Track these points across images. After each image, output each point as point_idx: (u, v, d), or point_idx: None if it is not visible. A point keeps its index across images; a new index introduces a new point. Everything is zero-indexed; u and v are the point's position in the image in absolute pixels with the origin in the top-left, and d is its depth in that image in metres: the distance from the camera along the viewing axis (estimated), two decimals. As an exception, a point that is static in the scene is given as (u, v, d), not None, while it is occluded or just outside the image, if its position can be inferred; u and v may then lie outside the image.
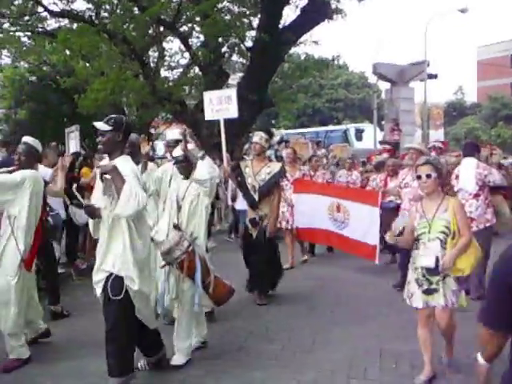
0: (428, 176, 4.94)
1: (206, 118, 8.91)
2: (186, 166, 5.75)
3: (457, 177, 7.79)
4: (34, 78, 26.51)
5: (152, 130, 24.95)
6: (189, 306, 5.48)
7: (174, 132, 7.27)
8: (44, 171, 8.72)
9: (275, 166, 7.82)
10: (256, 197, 7.60)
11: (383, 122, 33.89)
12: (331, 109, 51.18)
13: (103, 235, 4.72)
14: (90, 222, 4.96)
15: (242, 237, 8.27)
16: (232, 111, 8.48)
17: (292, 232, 10.09)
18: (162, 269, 5.61)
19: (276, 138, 7.98)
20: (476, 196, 7.57)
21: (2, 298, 5.44)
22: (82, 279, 8.83)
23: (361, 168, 14.56)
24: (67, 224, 9.32)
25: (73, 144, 10.76)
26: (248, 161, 8.16)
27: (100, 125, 4.65)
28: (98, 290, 4.71)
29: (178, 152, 5.86)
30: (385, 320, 6.83)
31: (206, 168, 5.57)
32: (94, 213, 4.73)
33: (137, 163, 6.26)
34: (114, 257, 4.62)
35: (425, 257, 4.93)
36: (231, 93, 8.71)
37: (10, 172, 5.72)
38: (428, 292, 4.96)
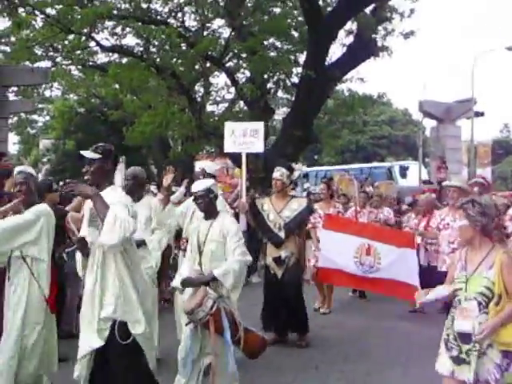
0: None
1: (225, 150, 8.52)
2: (206, 203, 5.28)
3: (511, 218, 7.57)
4: (82, 110, 27.26)
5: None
6: (223, 366, 4.93)
7: (204, 164, 7.04)
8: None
9: (302, 202, 7.47)
10: (282, 234, 7.14)
11: (427, 160, 33.54)
12: (375, 145, 50.93)
13: (92, 276, 4.16)
14: (79, 258, 4.47)
15: (265, 277, 7.69)
16: (258, 146, 8.08)
17: None
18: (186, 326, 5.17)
19: (296, 173, 7.41)
20: None
21: (34, 350, 4.87)
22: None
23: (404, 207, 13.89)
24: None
25: (118, 175, 10.92)
26: (265, 198, 7.67)
27: (88, 153, 4.27)
28: (97, 344, 4.07)
29: (198, 186, 5.35)
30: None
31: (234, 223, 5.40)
32: (86, 247, 4.26)
33: (139, 198, 6.14)
34: (113, 299, 4.07)
35: (458, 319, 4.09)
36: (258, 126, 8.23)
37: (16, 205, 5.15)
38: (457, 361, 4.10)
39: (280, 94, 20.52)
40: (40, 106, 35.45)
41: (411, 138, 48.31)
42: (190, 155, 21.96)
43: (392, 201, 13.55)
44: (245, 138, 8.02)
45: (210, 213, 5.32)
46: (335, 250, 8.58)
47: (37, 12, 15.57)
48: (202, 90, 22.23)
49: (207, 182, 5.40)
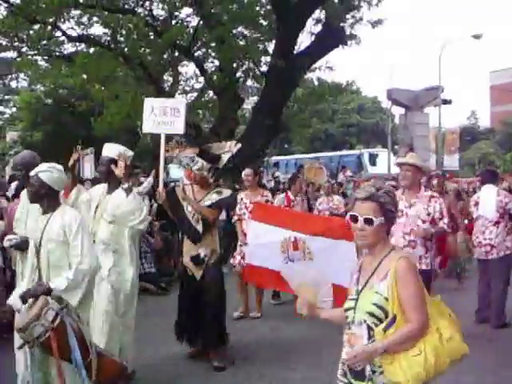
0: (368, 222, 2.99)
1: (143, 131, 7.51)
2: (36, 192, 4.43)
3: (476, 204, 7.79)
4: (49, 101, 26.86)
5: (166, 154, 25.08)
6: None
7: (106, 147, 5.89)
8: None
9: (226, 192, 6.44)
10: (200, 228, 6.17)
11: (396, 147, 33.87)
12: (344, 133, 51.25)
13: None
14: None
15: (180, 279, 6.70)
16: (178, 126, 6.86)
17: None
18: (19, 350, 4.15)
19: (225, 158, 6.36)
20: (496, 223, 7.56)
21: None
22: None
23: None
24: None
25: (87, 167, 10.82)
26: (188, 186, 6.56)
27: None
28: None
29: (34, 170, 4.51)
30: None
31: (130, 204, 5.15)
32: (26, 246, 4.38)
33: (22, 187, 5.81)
34: None
35: (346, 348, 3.09)
36: (180, 104, 7.08)
37: None
38: None
39: (249, 82, 20.47)
40: (6, 97, 35.00)
41: (380, 125, 48.73)
42: (158, 145, 21.83)
43: (329, 187, 12.34)
44: (165, 116, 6.86)
45: (46, 205, 4.43)
46: (263, 244, 7.07)
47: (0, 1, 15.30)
48: (170, 79, 22.06)
49: (42, 167, 4.47)
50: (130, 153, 5.73)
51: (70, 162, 6.02)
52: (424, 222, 6.18)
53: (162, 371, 6.16)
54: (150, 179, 8.77)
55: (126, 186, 5.30)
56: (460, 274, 10.50)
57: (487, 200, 7.65)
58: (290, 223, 7.03)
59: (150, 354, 6.54)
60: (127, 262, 5.50)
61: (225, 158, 6.34)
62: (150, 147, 20.44)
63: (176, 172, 21.02)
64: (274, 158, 30.59)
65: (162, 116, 6.84)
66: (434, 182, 10.74)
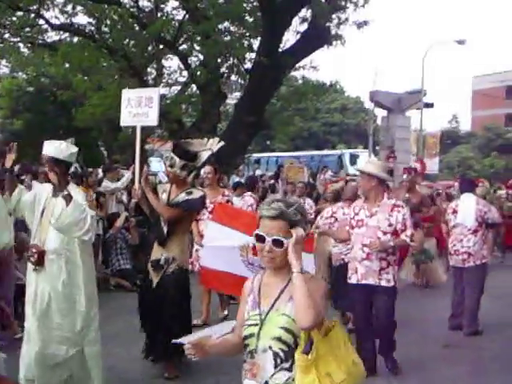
0: (277, 243, 2.63)
1: (121, 124, 7.23)
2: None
3: (454, 211, 7.81)
4: (31, 89, 26.57)
5: (147, 147, 24.93)
6: None
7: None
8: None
9: (197, 192, 5.81)
10: (165, 228, 5.67)
11: (377, 148, 34.03)
12: (326, 133, 51.33)
13: None
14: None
15: (140, 285, 6.21)
16: (151, 117, 6.62)
17: None
18: None
19: (204, 156, 5.79)
20: (475, 232, 7.61)
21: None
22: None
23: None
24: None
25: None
26: (167, 185, 6.04)
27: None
28: None
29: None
30: None
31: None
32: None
33: None
34: None
35: (246, 379, 2.74)
36: (153, 94, 6.82)
37: None
38: None
39: (233, 78, 20.43)
40: (-13, 83, 34.51)
41: (362, 125, 48.84)
42: (141, 138, 21.71)
43: (303, 188, 12.02)
44: (140, 108, 6.65)
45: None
46: (222, 247, 6.32)
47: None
48: (154, 72, 21.93)
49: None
50: (72, 150, 5.08)
51: (8, 163, 5.52)
52: (385, 233, 5.77)
53: (132, 372, 5.98)
54: (129, 174, 8.67)
55: (65, 193, 4.69)
56: (419, 264, 10.56)
57: (467, 208, 7.70)
58: (250, 227, 5.80)
59: (122, 355, 6.37)
60: (81, 273, 4.92)
61: (204, 155, 5.79)
62: (132, 139, 20.31)
63: (157, 165, 20.92)
64: (255, 155, 30.57)
65: (138, 107, 6.68)
66: (404, 176, 10.49)
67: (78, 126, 18.77)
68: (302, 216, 2.71)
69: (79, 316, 4.87)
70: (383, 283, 5.73)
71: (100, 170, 12.27)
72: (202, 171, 8.15)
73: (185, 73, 20.23)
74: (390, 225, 5.76)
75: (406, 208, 5.90)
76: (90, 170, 12.90)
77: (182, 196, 5.67)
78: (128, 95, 6.83)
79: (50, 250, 4.83)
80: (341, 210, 7.41)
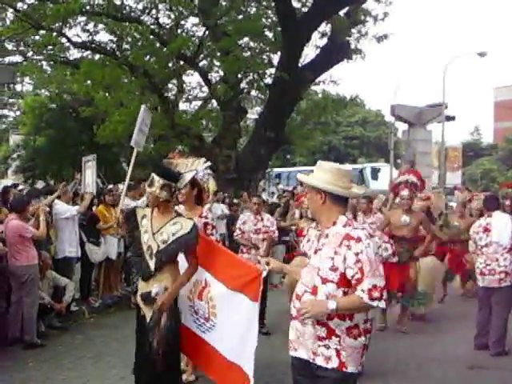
0: None
1: (132, 143, 6.64)
2: None
3: (486, 230, 7.61)
4: (54, 106, 26.90)
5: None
6: None
7: None
8: (66, 208, 8.82)
9: (186, 224, 4.93)
10: (152, 264, 4.90)
11: (399, 161, 33.84)
12: (347, 146, 51.23)
13: None
14: None
15: (137, 321, 5.21)
16: (134, 139, 6.52)
17: None
18: None
19: (188, 177, 5.29)
20: (510, 250, 7.45)
21: None
22: (95, 317, 8.80)
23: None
24: (82, 261, 9.35)
25: (89, 173, 10.75)
26: (147, 209, 5.27)
27: None
28: None
29: None
30: None
31: None
32: None
33: None
34: None
35: None
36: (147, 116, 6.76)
37: None
38: None
39: (253, 93, 20.49)
40: (11, 100, 35.03)
41: (383, 139, 48.66)
42: (161, 154, 21.86)
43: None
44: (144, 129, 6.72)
45: None
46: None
47: (7, 7, 15.35)
48: (174, 88, 22.10)
49: None
50: None
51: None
52: (325, 281, 3.49)
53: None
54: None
55: None
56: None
57: (502, 227, 7.51)
58: (208, 260, 5.08)
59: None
60: None
61: (187, 176, 5.31)
62: (153, 156, 20.43)
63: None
64: (276, 170, 30.56)
65: (145, 128, 6.70)
66: (404, 192, 8.51)
67: (100, 143, 18.92)
68: None
69: None
70: (319, 361, 3.54)
71: (121, 186, 12.32)
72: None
73: (205, 88, 20.38)
74: (334, 268, 3.45)
75: (367, 242, 3.43)
76: (111, 186, 12.97)
77: (172, 230, 4.91)
78: (143, 115, 6.71)
79: None
80: None
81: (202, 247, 5.00)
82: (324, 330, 3.50)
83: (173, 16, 18.56)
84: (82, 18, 17.16)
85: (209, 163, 5.72)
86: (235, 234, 8.79)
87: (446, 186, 25.99)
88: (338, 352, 3.47)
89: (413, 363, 6.95)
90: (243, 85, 18.71)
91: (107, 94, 19.82)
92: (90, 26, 17.63)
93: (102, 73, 15.97)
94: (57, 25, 16.12)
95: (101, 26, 17.67)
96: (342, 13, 16.47)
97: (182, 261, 4.96)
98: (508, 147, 52.37)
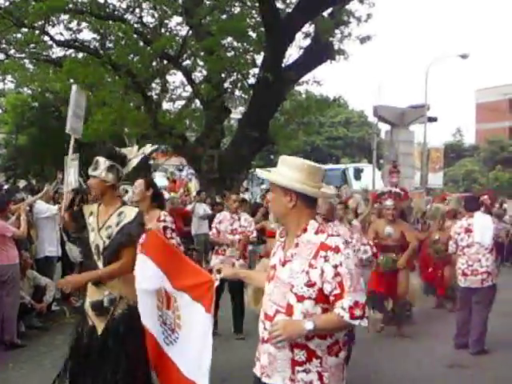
0: None
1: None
2: None
3: (467, 230, 7.66)
4: (36, 105, 26.69)
5: (151, 162, 24.98)
6: None
7: None
8: (46, 207, 8.75)
9: (130, 212, 4.37)
10: (101, 265, 4.31)
11: (381, 161, 34.03)
12: (330, 146, 51.40)
13: None
14: None
15: (76, 326, 4.55)
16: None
17: None
18: None
19: (135, 162, 4.57)
20: (491, 250, 7.54)
21: None
22: (76, 317, 8.74)
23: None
24: (63, 260, 9.29)
25: (72, 172, 10.70)
26: (94, 205, 4.67)
27: None
28: None
29: None
30: None
31: None
32: None
33: None
34: None
35: None
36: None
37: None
38: None
39: (237, 93, 20.48)
40: (-8, 98, 34.66)
41: (366, 139, 48.93)
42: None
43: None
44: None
45: None
46: (148, 291, 4.27)
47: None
48: (158, 87, 22.03)
49: None
50: None
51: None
52: (300, 299, 2.98)
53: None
54: (134, 190, 8.59)
55: None
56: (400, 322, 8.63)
57: (485, 227, 7.58)
58: (168, 266, 4.24)
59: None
60: None
61: (134, 162, 4.69)
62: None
63: (161, 180, 20.94)
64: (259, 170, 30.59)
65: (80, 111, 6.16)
66: (388, 202, 8.46)
67: (83, 142, 18.81)
68: None
69: None
70: None
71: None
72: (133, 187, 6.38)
73: (188, 88, 20.34)
74: (311, 284, 2.96)
75: (347, 252, 2.95)
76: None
77: (115, 221, 4.35)
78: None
79: None
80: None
81: (163, 252, 4.28)
82: (303, 353, 3.01)
83: (156, 15, 18.52)
84: (65, 16, 17.07)
85: (155, 146, 5.44)
86: (210, 233, 8.52)
87: (428, 186, 26.23)
88: (319, 375, 3.02)
89: (392, 363, 7.00)
90: (227, 84, 18.72)
91: (90, 93, 19.74)
92: (73, 25, 17.53)
93: (84, 71, 15.88)
94: (39, 23, 16.03)
95: (84, 24, 17.56)
96: (325, 14, 16.52)
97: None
98: (490, 148, 52.80)
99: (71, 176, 10.46)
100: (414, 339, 8.11)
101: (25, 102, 26.79)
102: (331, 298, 2.93)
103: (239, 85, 18.77)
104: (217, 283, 3.70)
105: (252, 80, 17.97)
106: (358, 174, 28.44)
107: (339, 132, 52.13)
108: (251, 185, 22.90)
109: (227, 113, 18.86)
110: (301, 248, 3.04)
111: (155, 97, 20.47)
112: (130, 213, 4.38)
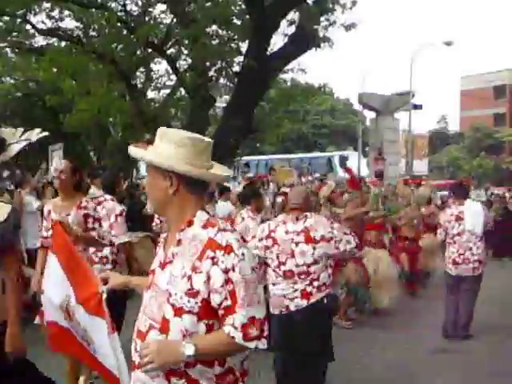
0: None
1: None
2: None
3: (458, 218, 7.66)
4: (19, 94, 26.43)
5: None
6: None
7: None
8: (27, 200, 8.70)
9: (2, 210, 3.47)
10: None
11: (367, 149, 34.13)
12: (316, 135, 51.44)
13: None
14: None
15: None
16: None
17: None
18: None
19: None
20: (482, 239, 7.57)
21: None
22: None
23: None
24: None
25: (56, 162, 10.64)
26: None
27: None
28: None
29: None
30: None
31: None
32: None
33: None
34: None
35: None
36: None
37: None
38: None
39: (222, 81, 20.39)
40: (-26, 88, 34.32)
41: (352, 127, 49.01)
42: (129, 143, 21.65)
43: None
44: None
45: None
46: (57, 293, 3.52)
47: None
48: (142, 76, 21.89)
49: None
50: None
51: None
52: (179, 313, 2.32)
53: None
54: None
55: None
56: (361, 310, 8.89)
57: (476, 215, 7.60)
58: (69, 270, 3.45)
59: None
60: None
61: (15, 148, 4.06)
62: (120, 144, 20.26)
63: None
64: (245, 158, 30.60)
65: None
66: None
67: (67, 132, 18.69)
68: None
69: None
70: None
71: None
72: (52, 168, 5.38)
73: (173, 76, 20.22)
74: (193, 293, 2.31)
75: (241, 251, 2.31)
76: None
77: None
78: None
79: None
80: (282, 227, 4.91)
81: (64, 251, 3.55)
82: (183, 383, 2.32)
83: (140, 3, 18.35)
84: (47, 5, 16.86)
85: (45, 133, 4.51)
86: (153, 224, 7.77)
87: (413, 173, 26.34)
88: None
89: (375, 348, 7.05)
90: (211, 73, 18.62)
91: (74, 82, 19.58)
92: (56, 13, 17.32)
93: (68, 60, 15.75)
94: (21, 11, 15.84)
95: (66, 12, 17.38)
96: (310, 1, 16.45)
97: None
98: (474, 136, 53.12)
99: (56, 163, 10.41)
100: (401, 328, 8.16)
101: (7, 92, 26.53)
102: (220, 312, 2.28)
103: (224, 73, 18.68)
104: (104, 296, 2.92)
105: (237, 68, 17.89)
106: (343, 161, 28.50)
107: (325, 120, 52.17)
108: (237, 173, 22.85)
109: (212, 101, 18.77)
110: (184, 246, 2.38)
111: (140, 85, 20.35)
112: (2, 211, 3.41)
